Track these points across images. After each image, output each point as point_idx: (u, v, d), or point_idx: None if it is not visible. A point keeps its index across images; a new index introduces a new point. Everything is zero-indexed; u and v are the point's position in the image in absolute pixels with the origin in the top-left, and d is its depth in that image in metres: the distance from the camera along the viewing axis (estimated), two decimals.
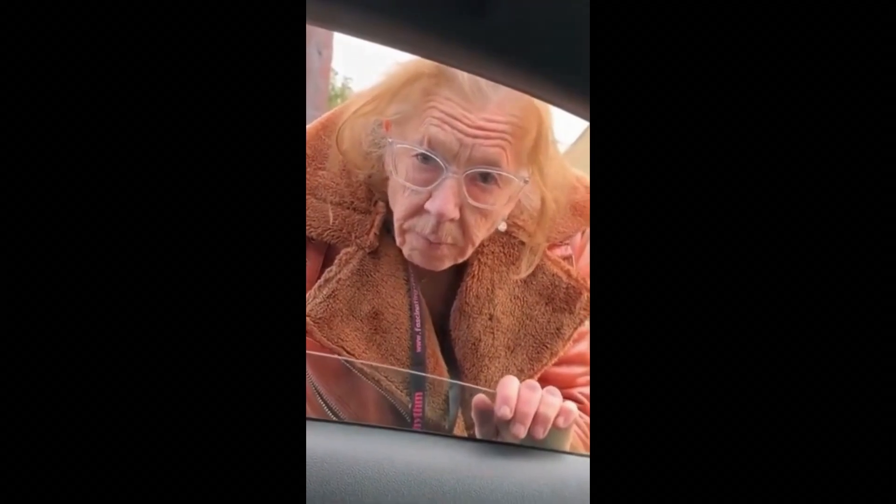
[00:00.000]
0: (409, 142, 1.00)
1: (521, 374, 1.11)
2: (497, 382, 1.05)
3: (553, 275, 1.14)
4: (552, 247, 1.16)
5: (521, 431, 0.89)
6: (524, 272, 1.13)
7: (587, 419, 1.19)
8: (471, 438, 0.94)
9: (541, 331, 1.14)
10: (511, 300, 1.13)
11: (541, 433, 0.90)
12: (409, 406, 1.08)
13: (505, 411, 0.89)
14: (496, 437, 0.94)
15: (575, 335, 1.18)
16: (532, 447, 0.91)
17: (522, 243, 1.13)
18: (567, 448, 0.98)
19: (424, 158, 0.99)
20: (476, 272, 1.11)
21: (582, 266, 1.18)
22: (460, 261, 1.08)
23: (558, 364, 1.18)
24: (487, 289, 1.12)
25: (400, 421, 1.10)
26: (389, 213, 1.08)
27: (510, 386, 0.92)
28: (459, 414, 1.11)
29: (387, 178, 1.07)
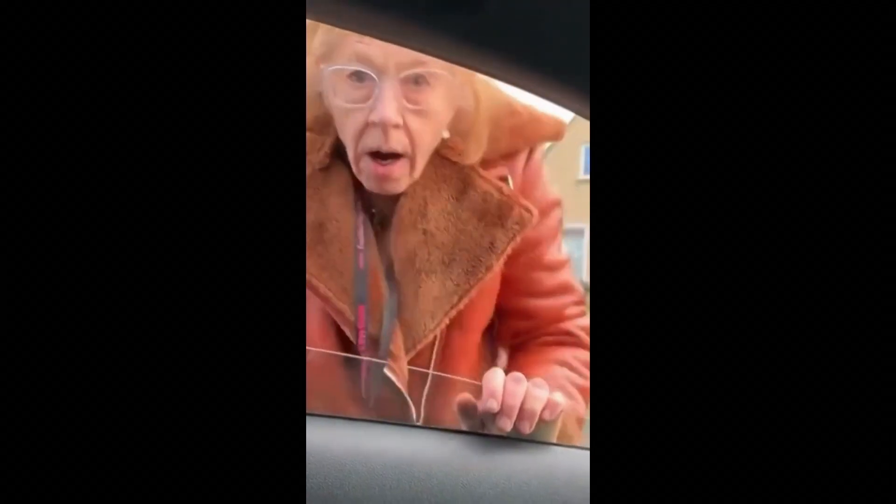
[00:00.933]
0: (340, 63, 1.06)
1: (458, 288, 1.15)
2: (434, 298, 1.14)
3: (484, 192, 1.17)
4: (488, 166, 1.19)
5: (507, 425, 0.91)
6: (473, 157, 1.17)
7: (585, 357, 1.21)
8: (459, 431, 0.94)
9: (475, 246, 1.16)
10: (444, 216, 1.17)
11: (527, 427, 0.92)
12: (354, 319, 1.13)
13: (491, 405, 0.91)
14: (482, 429, 0.94)
15: (553, 264, 1.23)
16: (519, 439, 0.91)
17: (454, 163, 1.18)
18: (554, 439, 0.99)
19: (358, 77, 1.06)
20: (409, 191, 1.15)
21: (529, 192, 1.21)
22: (415, 176, 1.13)
23: (540, 296, 1.23)
24: (420, 204, 1.16)
25: (343, 340, 1.16)
26: (341, 142, 1.14)
27: (496, 379, 0.93)
28: (397, 329, 1.15)
29: (332, 116, 1.13)
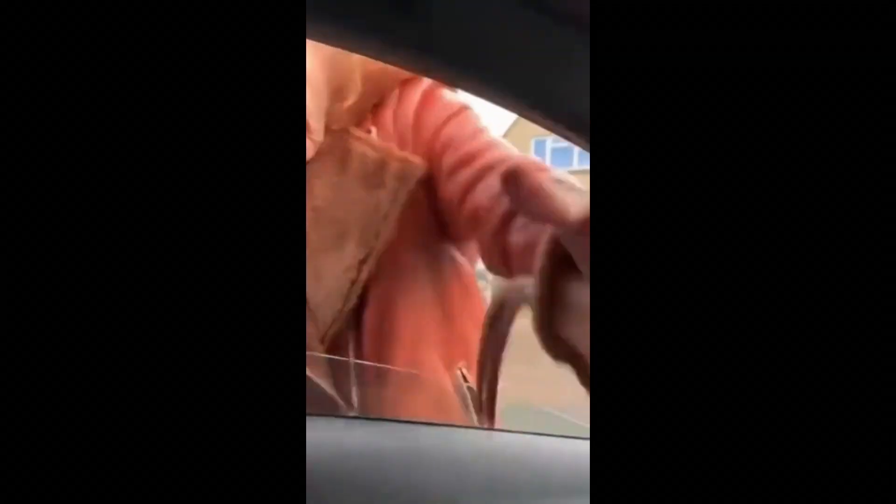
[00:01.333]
0: None
1: (362, 264, 1.06)
2: (336, 275, 1.05)
3: (361, 154, 1.09)
4: (360, 124, 1.13)
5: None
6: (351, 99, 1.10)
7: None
8: (451, 424, 0.94)
9: (364, 213, 1.07)
10: (330, 190, 1.10)
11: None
12: None
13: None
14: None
15: (483, 145, 1.08)
16: (514, 431, 0.92)
17: (335, 132, 1.11)
18: None
19: None
20: None
21: (416, 126, 1.13)
22: (315, 138, 1.06)
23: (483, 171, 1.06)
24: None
25: None
26: None
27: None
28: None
29: None
